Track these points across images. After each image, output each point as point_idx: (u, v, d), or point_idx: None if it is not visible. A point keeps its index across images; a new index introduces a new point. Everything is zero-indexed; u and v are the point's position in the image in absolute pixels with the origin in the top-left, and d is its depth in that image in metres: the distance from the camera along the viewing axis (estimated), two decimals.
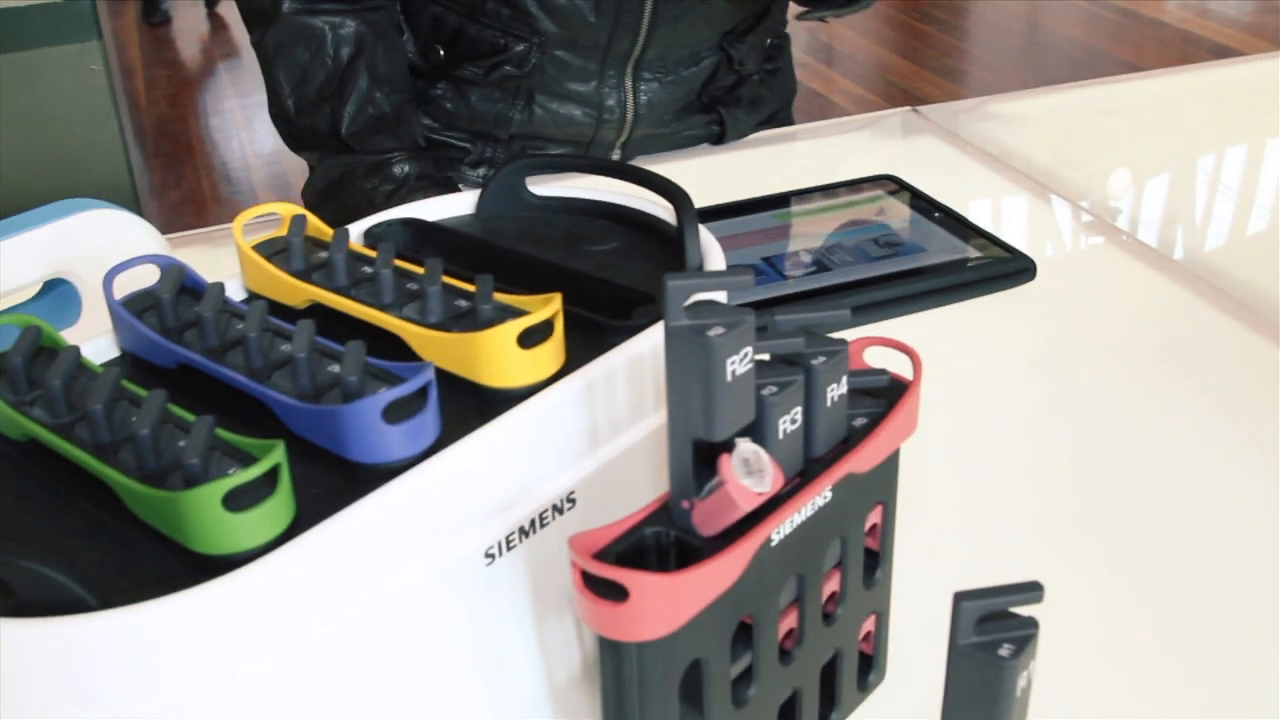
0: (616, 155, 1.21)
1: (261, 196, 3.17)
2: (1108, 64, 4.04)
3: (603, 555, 0.48)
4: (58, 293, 0.75)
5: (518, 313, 0.55)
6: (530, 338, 0.53)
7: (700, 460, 0.48)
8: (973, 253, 0.99)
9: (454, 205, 0.70)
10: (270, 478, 0.45)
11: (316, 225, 0.63)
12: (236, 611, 0.44)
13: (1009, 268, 0.97)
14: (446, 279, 0.58)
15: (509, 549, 0.52)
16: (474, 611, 0.52)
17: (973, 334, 0.92)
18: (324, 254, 0.61)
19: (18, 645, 0.42)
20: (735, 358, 0.46)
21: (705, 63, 1.20)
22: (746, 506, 0.48)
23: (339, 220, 1.04)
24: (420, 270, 0.59)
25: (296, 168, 3.36)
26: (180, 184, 3.24)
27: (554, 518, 0.54)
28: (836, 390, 0.52)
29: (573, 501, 0.55)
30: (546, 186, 0.71)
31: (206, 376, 0.54)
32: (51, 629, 0.42)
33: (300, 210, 0.63)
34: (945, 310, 0.95)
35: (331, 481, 0.49)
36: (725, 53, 1.20)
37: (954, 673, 0.46)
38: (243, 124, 3.74)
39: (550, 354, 0.54)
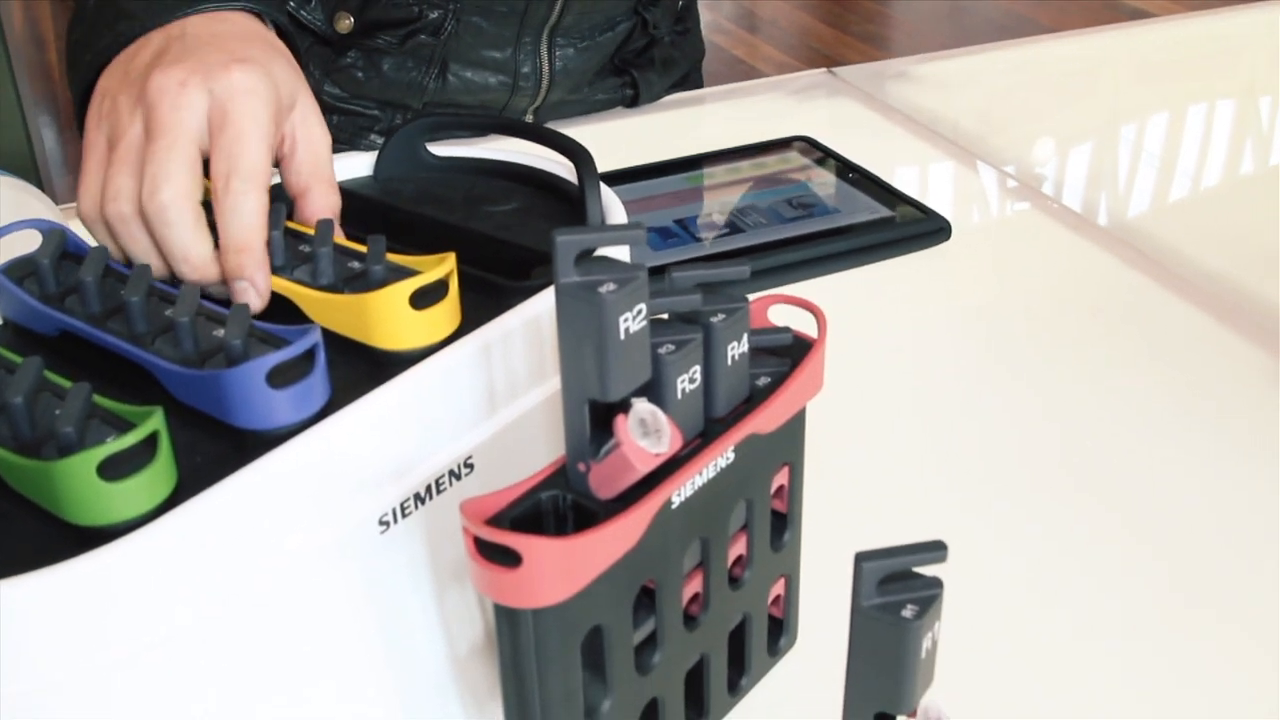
0: (529, 118, 1.20)
1: None
2: (1031, 29, 4.06)
3: (496, 520, 0.47)
4: None
5: (411, 273, 0.54)
6: (423, 298, 0.52)
7: (596, 422, 0.47)
8: (887, 213, 0.98)
9: (351, 166, 0.69)
10: (150, 445, 0.44)
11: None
12: (115, 584, 0.43)
13: (924, 228, 0.97)
14: (340, 241, 0.56)
15: (404, 516, 0.51)
16: (370, 581, 0.51)
17: (886, 295, 0.92)
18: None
19: None
20: (628, 315, 0.45)
21: (620, 27, 1.19)
22: (643, 468, 0.47)
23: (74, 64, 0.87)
24: (309, 230, 0.58)
25: None
26: (75, 142, 3.19)
27: (451, 484, 0.53)
28: (737, 349, 0.51)
29: (470, 467, 0.53)
30: (448, 147, 0.69)
31: (89, 344, 0.52)
32: None
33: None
34: (859, 271, 0.94)
35: (216, 449, 0.47)
36: (640, 16, 1.19)
37: (857, 635, 0.45)
38: None
39: (444, 315, 0.53)
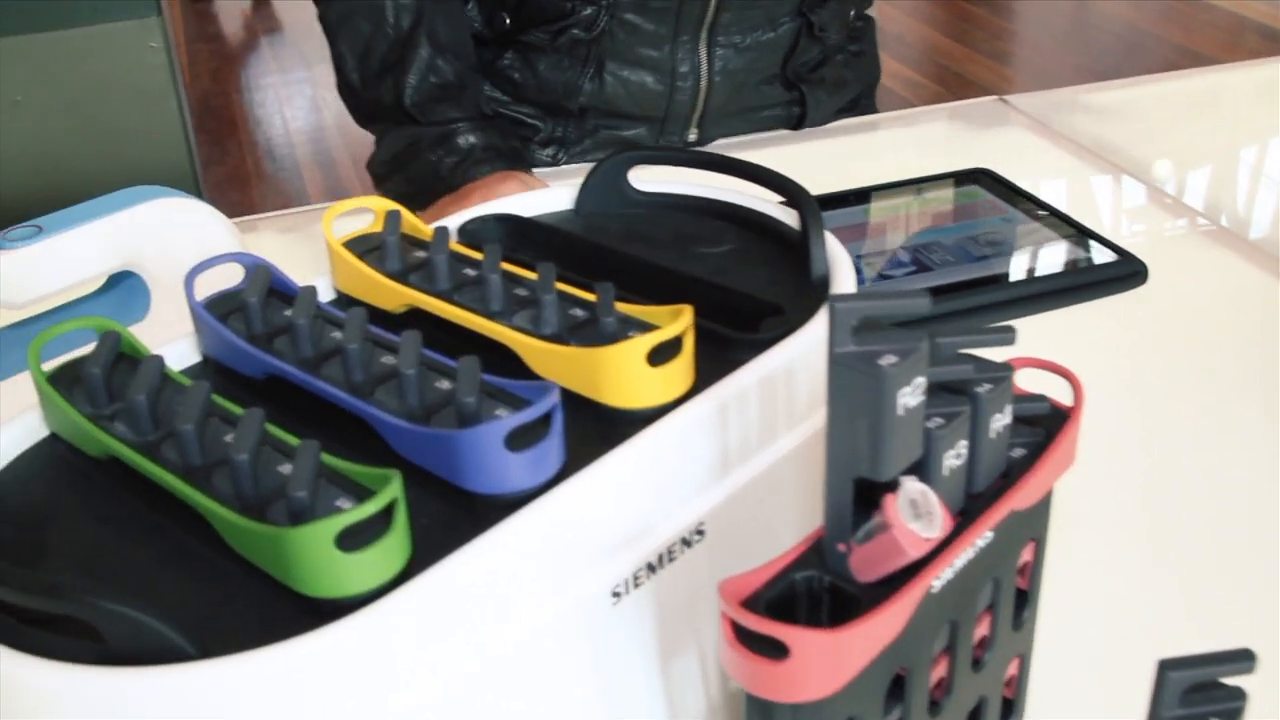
0: (693, 133, 1.16)
1: (305, 174, 3.12)
2: (1157, 46, 3.96)
3: (751, 603, 0.43)
4: (124, 287, 0.70)
5: (643, 326, 0.50)
6: (659, 354, 0.48)
7: (859, 499, 0.43)
8: (1080, 254, 0.93)
9: (551, 200, 0.65)
10: (386, 513, 0.40)
11: (411, 222, 0.58)
12: (347, 660, 0.39)
13: (1119, 270, 0.92)
14: (562, 287, 0.52)
15: (636, 586, 0.47)
16: (599, 654, 0.47)
17: (1081, 342, 0.87)
18: (421, 254, 0.56)
19: (108, 698, 0.38)
20: (907, 389, 0.41)
21: (784, 29, 1.15)
22: (915, 554, 0.43)
23: (405, 195, 0.99)
24: (526, 274, 0.54)
25: (340, 144, 3.32)
26: (224, 160, 3.20)
27: (682, 552, 0.49)
28: (1000, 420, 0.47)
29: (701, 534, 0.50)
30: (650, 182, 0.65)
31: (297, 388, 0.49)
32: (148, 680, 0.37)
33: (394, 205, 0.58)
34: (1050, 316, 0.89)
35: (446, 513, 0.44)
36: (805, 19, 1.15)
37: None
38: (286, 100, 3.69)
39: (680, 372, 0.49)
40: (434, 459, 0.45)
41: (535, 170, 1.14)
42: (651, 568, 0.48)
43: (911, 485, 0.43)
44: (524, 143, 1.15)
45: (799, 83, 1.18)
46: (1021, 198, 1.01)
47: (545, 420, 0.44)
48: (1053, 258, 0.93)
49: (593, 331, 0.50)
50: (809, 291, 0.57)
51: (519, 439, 0.44)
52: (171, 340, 0.54)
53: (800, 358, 0.52)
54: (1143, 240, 0.99)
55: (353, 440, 0.47)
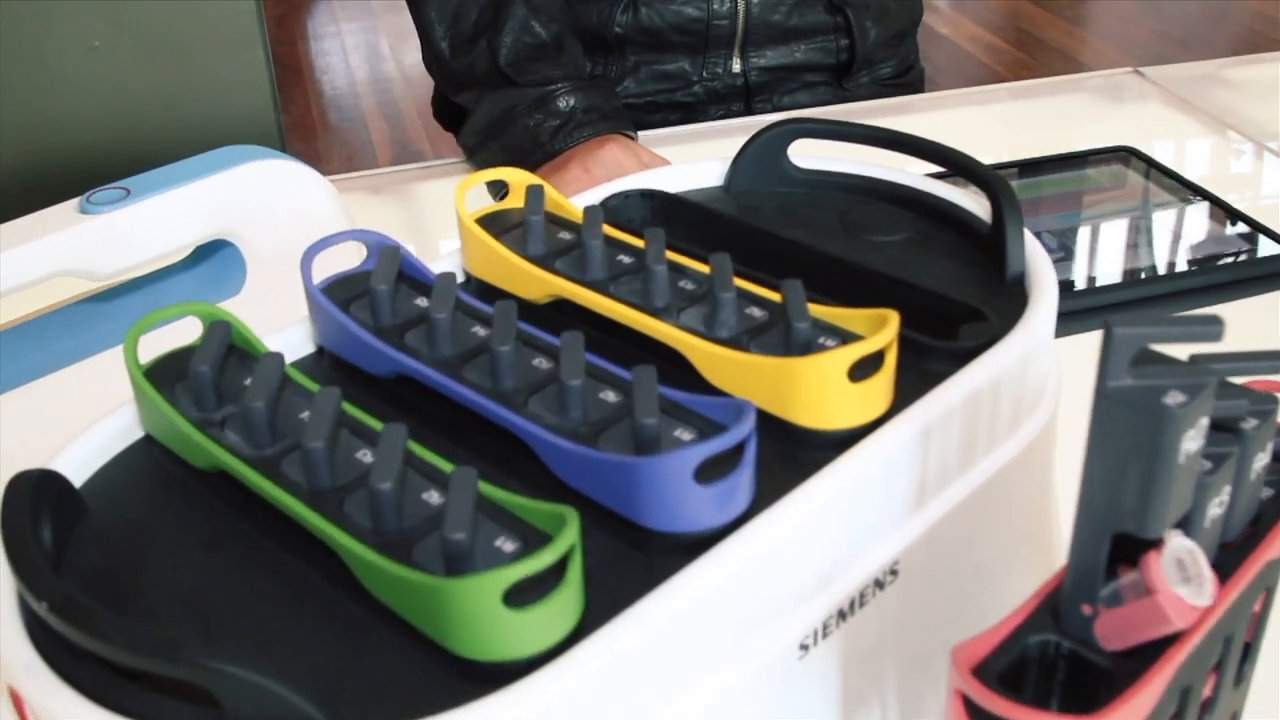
0: (736, 63, 1.10)
1: (371, 124, 3.05)
2: (1239, 14, 3.82)
3: (981, 674, 0.36)
4: (217, 259, 0.64)
5: (836, 332, 0.43)
6: (860, 368, 0.41)
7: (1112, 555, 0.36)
8: (1240, 244, 0.85)
9: (699, 174, 0.58)
10: (559, 562, 0.34)
11: (554, 199, 0.51)
12: None
13: None
14: (740, 284, 0.45)
15: (824, 637, 0.41)
16: (781, 715, 0.41)
17: (1244, 340, 0.79)
18: (566, 235, 0.50)
19: None
20: (1192, 432, 0.33)
21: None
22: (1181, 624, 0.36)
23: (503, 163, 0.92)
24: (689, 263, 0.47)
25: (407, 95, 3.24)
26: (289, 109, 3.13)
27: (874, 595, 0.42)
28: (1261, 460, 0.40)
29: (895, 573, 0.43)
30: (808, 158, 0.58)
31: (429, 391, 0.43)
32: None
33: (536, 179, 0.51)
34: (1206, 311, 0.81)
35: (618, 554, 0.37)
36: None
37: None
38: (352, 49, 3.61)
39: (881, 389, 0.42)
40: (603, 487, 0.38)
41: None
42: (842, 614, 0.41)
43: (1178, 543, 0.36)
44: None
45: (843, 6, 1.10)
46: (1170, 179, 0.93)
47: (737, 447, 0.38)
48: (1210, 248, 0.85)
49: (777, 337, 0.43)
50: (1002, 291, 0.50)
51: (708, 469, 0.37)
52: (279, 328, 0.47)
53: (1005, 371, 0.45)
54: None
55: (498, 457, 0.41)
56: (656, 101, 1.12)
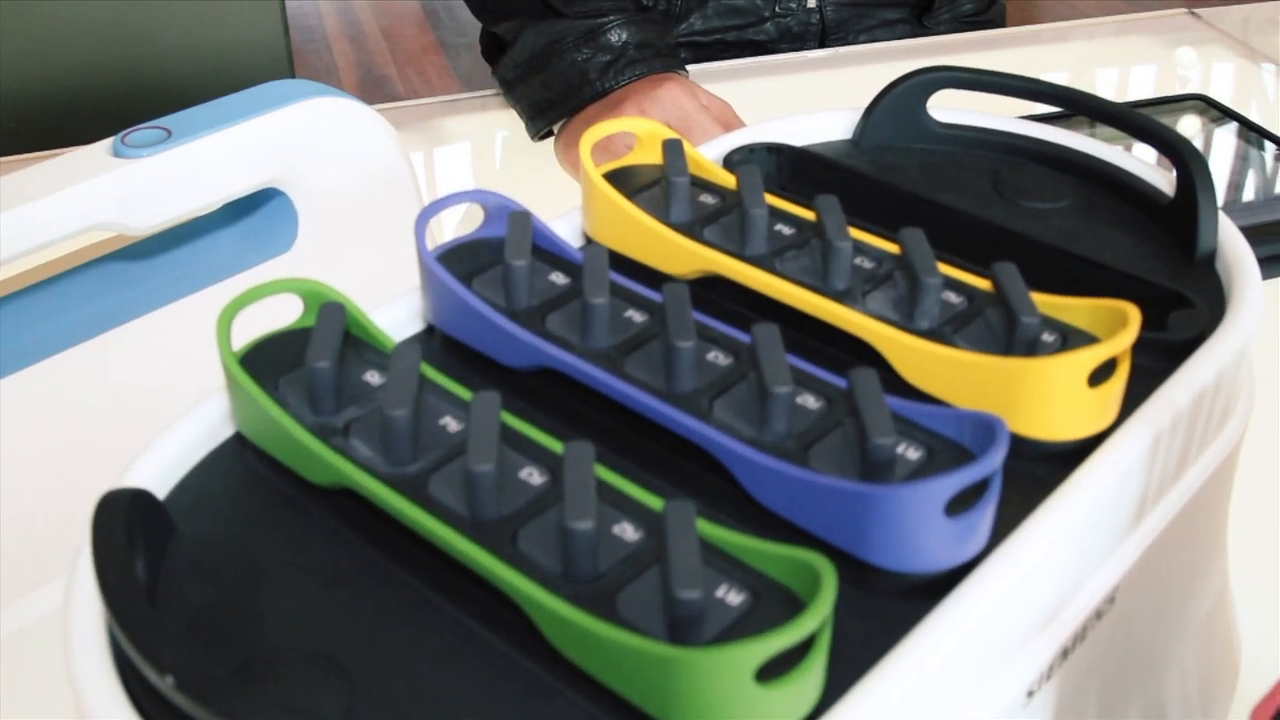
0: (816, 19, 1.02)
1: (336, 47, 2.93)
2: None
3: None
4: (267, 209, 0.57)
5: (1057, 326, 0.37)
6: (1099, 373, 0.35)
7: None
8: None
9: (827, 127, 0.52)
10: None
11: (693, 156, 0.45)
12: None
13: None
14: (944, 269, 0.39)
15: (1048, 679, 0.35)
16: None
17: None
18: (709, 198, 0.43)
19: None
20: None
21: None
22: None
23: (542, 103, 0.85)
24: (867, 237, 0.41)
25: (371, 17, 3.12)
26: None
27: (1092, 627, 0.37)
28: None
29: (1112, 602, 0.37)
30: (950, 111, 0.52)
31: (572, 386, 0.36)
32: None
33: (671, 132, 0.44)
34: None
35: (846, 598, 0.31)
36: None
37: None
38: None
39: (1115, 396, 0.36)
40: (821, 517, 0.32)
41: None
42: (1065, 653, 0.35)
43: None
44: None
45: None
46: (1252, 130, 0.87)
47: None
48: None
49: (987, 330, 0.37)
50: (1191, 272, 0.44)
51: (956, 501, 0.31)
52: (382, 303, 0.41)
53: (1226, 367, 0.40)
54: None
55: (675, 470, 0.35)
56: (725, 40, 1.05)
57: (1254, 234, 0.76)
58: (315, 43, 2.97)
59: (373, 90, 2.68)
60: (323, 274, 0.49)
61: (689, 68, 0.97)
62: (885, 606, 0.31)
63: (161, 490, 0.35)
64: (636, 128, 0.45)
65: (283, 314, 0.38)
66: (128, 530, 0.31)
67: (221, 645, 0.30)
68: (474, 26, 2.94)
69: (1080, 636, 0.36)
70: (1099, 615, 0.37)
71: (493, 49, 1.10)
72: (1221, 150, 0.86)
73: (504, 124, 0.94)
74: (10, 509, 0.50)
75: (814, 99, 0.96)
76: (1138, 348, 0.40)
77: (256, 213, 0.57)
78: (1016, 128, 0.50)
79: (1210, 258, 0.45)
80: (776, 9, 1.03)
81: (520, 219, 0.39)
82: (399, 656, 0.30)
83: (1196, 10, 1.08)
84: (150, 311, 0.54)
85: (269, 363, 0.36)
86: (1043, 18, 3.22)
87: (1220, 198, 0.80)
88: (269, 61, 0.96)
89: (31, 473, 0.51)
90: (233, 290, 0.55)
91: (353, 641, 0.30)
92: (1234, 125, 0.88)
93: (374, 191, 0.57)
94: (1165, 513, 0.39)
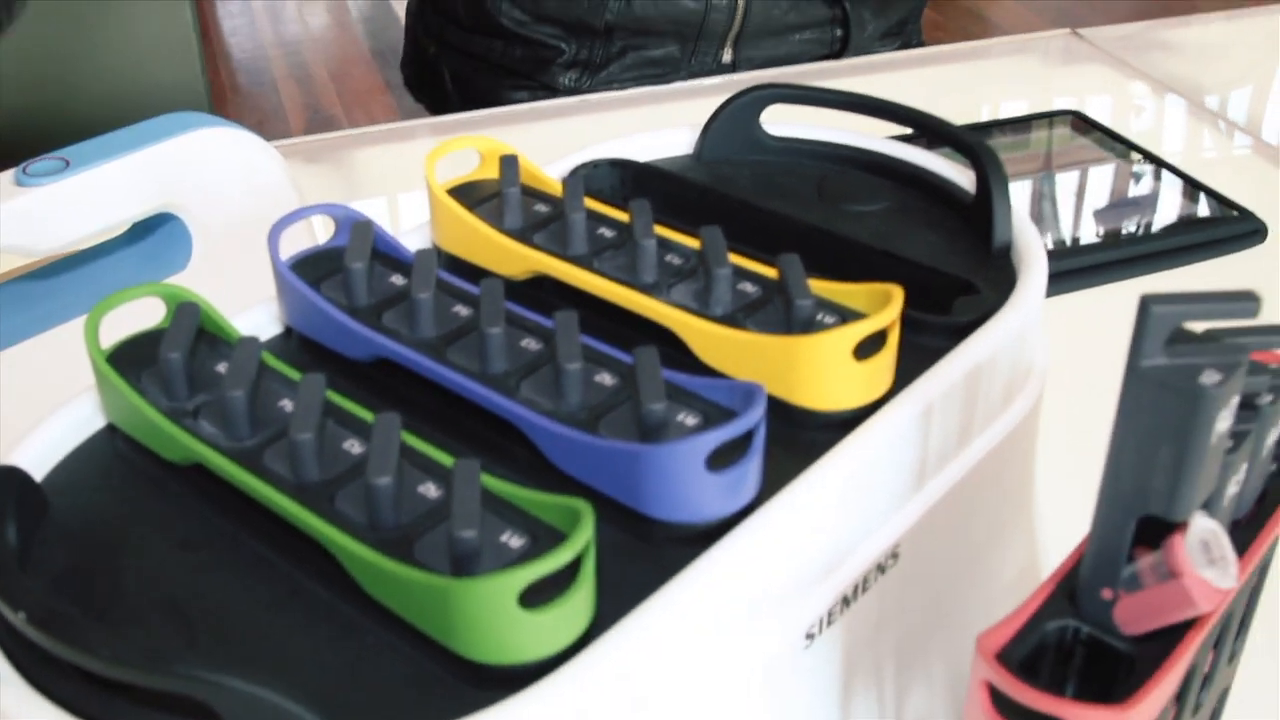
0: (728, 54, 1.07)
1: (282, 89, 2.98)
2: None
3: (1004, 662, 0.35)
4: (161, 233, 0.61)
5: (835, 309, 0.41)
6: (864, 347, 0.40)
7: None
8: (1190, 208, 0.85)
9: (668, 143, 0.56)
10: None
11: (528, 169, 0.49)
12: None
13: (1237, 229, 0.84)
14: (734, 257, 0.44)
15: (829, 624, 0.39)
16: (786, 708, 0.39)
17: None
18: (541, 207, 0.48)
19: None
20: (1225, 412, 0.32)
21: None
22: (1206, 607, 0.35)
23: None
24: (671, 235, 0.45)
25: (318, 58, 3.17)
26: None
27: (875, 579, 0.41)
28: (1274, 434, 0.39)
29: (896, 557, 0.42)
30: (778, 125, 0.57)
31: (407, 373, 0.41)
32: None
33: (509, 149, 0.49)
34: (1158, 278, 0.81)
35: (624, 545, 0.35)
36: None
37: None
38: (259, 10, 3.53)
39: (884, 368, 0.41)
40: (605, 475, 0.36)
41: (558, 97, 1.04)
42: (846, 601, 0.40)
43: (1202, 525, 0.35)
44: (545, 65, 1.05)
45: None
46: (1118, 143, 0.93)
47: (747, 433, 0.36)
48: (1162, 213, 0.85)
49: (775, 314, 0.42)
50: (989, 262, 0.49)
51: (717, 456, 0.35)
52: (233, 307, 0.45)
53: (1002, 346, 0.44)
54: (1253, 194, 0.91)
55: (489, 444, 0.39)
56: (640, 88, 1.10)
57: (1112, 240, 0.81)
58: (263, 85, 3.02)
59: (320, 129, 2.72)
60: (215, 291, 0.53)
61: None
62: (659, 553, 0.35)
63: (39, 472, 0.39)
64: (479, 145, 0.49)
65: (153, 318, 0.42)
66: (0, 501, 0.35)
67: (82, 600, 0.35)
68: None
69: (863, 587, 0.41)
70: (882, 569, 0.41)
71: (417, 81, 1.14)
72: (1088, 162, 0.91)
73: (415, 156, 0.99)
74: None
75: None
76: (924, 330, 0.44)
77: (153, 235, 0.61)
78: (840, 138, 0.55)
79: (1005, 250, 0.49)
80: (692, 62, 1.08)
81: (361, 228, 0.44)
82: (237, 604, 0.34)
83: (1079, 31, 1.13)
84: (57, 326, 0.58)
85: (134, 358, 0.41)
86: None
87: (1088, 205, 0.86)
88: (188, 103, 1.01)
89: None
90: (141, 311, 0.59)
91: (199, 594, 0.35)
92: (1101, 137, 0.94)
93: (262, 214, 0.62)
94: (950, 477, 0.43)
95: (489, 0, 1.03)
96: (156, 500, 0.38)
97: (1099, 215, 0.84)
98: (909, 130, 0.54)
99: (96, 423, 0.41)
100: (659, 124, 0.99)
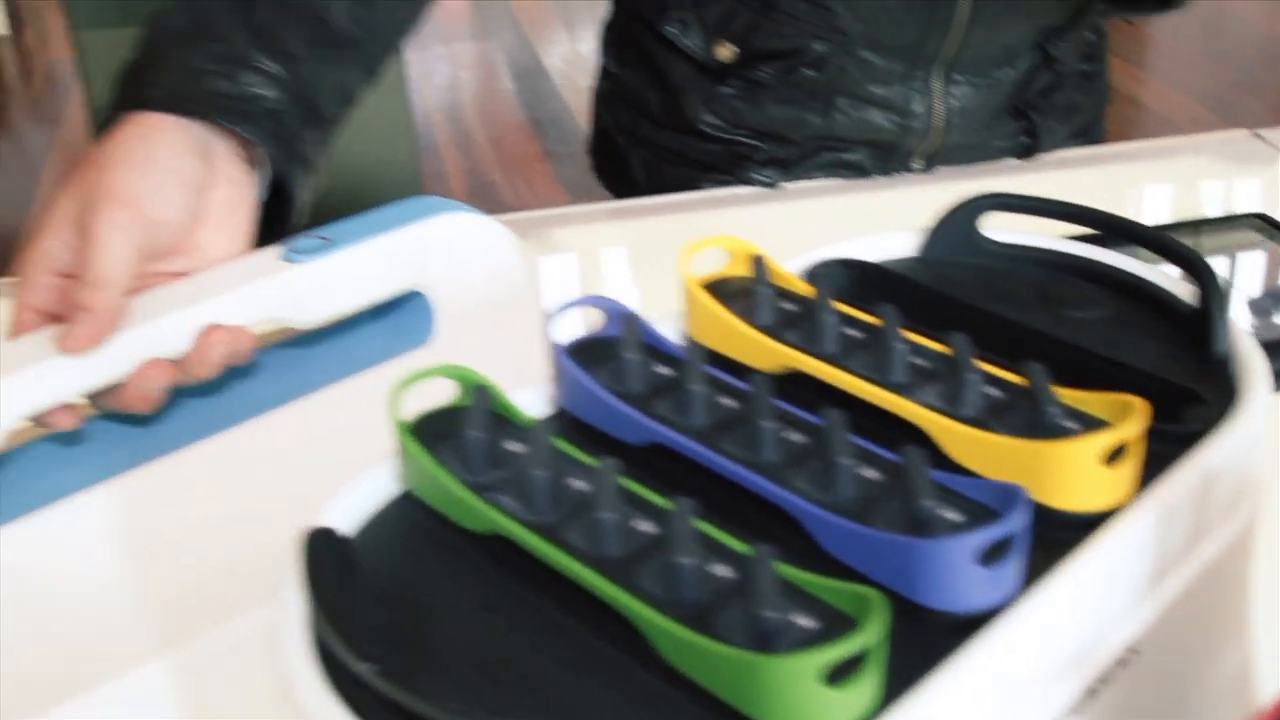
0: (920, 165, 1.10)
1: (445, 154, 3.03)
2: None
3: None
4: (407, 308, 0.65)
5: (1080, 416, 0.44)
6: (1111, 454, 0.42)
7: None
8: None
9: (892, 245, 0.60)
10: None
11: (773, 267, 0.53)
12: None
13: None
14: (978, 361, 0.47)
15: (1078, 715, 0.42)
16: None
17: None
18: (788, 305, 0.51)
19: None
20: None
21: (1021, 63, 1.08)
22: None
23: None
24: (918, 339, 0.49)
25: (480, 125, 3.25)
26: None
27: (1118, 674, 0.43)
28: None
29: (1136, 653, 0.44)
30: (998, 231, 0.60)
31: (676, 457, 0.44)
32: None
33: (757, 249, 0.53)
34: None
35: (898, 629, 0.38)
36: (1043, 51, 1.08)
37: None
38: (421, 78, 3.65)
39: (1129, 474, 0.43)
40: (877, 563, 0.39)
41: (752, 188, 1.08)
42: (1092, 693, 0.42)
43: None
44: (741, 161, 1.09)
45: (1029, 110, 1.11)
46: None
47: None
48: None
49: (1021, 417, 0.45)
50: (1208, 372, 0.51)
51: (986, 552, 0.38)
52: (518, 388, 0.49)
53: (1232, 455, 0.47)
54: None
55: (759, 528, 0.42)
56: (819, 162, 1.12)
57: None
58: (428, 149, 3.12)
59: (480, 195, 2.81)
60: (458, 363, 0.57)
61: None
62: (930, 638, 0.38)
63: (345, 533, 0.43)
64: (727, 244, 0.53)
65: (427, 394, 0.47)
66: (328, 556, 0.39)
67: (397, 655, 0.38)
68: (577, 136, 3.07)
69: (1106, 680, 0.43)
70: (1123, 664, 0.44)
71: (605, 169, 1.18)
72: (1277, 264, 0.93)
73: (609, 238, 1.03)
74: (220, 542, 0.59)
75: (905, 217, 1.04)
76: (1156, 437, 0.47)
77: (397, 310, 0.65)
78: (1060, 246, 0.58)
79: (1224, 361, 0.52)
80: (884, 166, 1.09)
81: (631, 320, 0.48)
82: (541, 666, 0.38)
83: (1259, 132, 1.15)
84: (314, 391, 0.63)
85: (429, 432, 0.45)
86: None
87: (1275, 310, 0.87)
88: (401, 180, 1.06)
89: (229, 514, 0.60)
90: (381, 376, 0.64)
91: (504, 656, 0.38)
92: None
93: (499, 293, 0.66)
94: (1183, 578, 0.46)
95: (687, 106, 1.06)
96: (456, 565, 0.42)
97: None
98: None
99: (391, 488, 0.45)
100: (849, 217, 1.02)
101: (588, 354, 0.48)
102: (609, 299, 0.50)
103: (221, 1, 0.67)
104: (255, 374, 0.62)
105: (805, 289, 0.52)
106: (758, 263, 0.51)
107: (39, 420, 0.55)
